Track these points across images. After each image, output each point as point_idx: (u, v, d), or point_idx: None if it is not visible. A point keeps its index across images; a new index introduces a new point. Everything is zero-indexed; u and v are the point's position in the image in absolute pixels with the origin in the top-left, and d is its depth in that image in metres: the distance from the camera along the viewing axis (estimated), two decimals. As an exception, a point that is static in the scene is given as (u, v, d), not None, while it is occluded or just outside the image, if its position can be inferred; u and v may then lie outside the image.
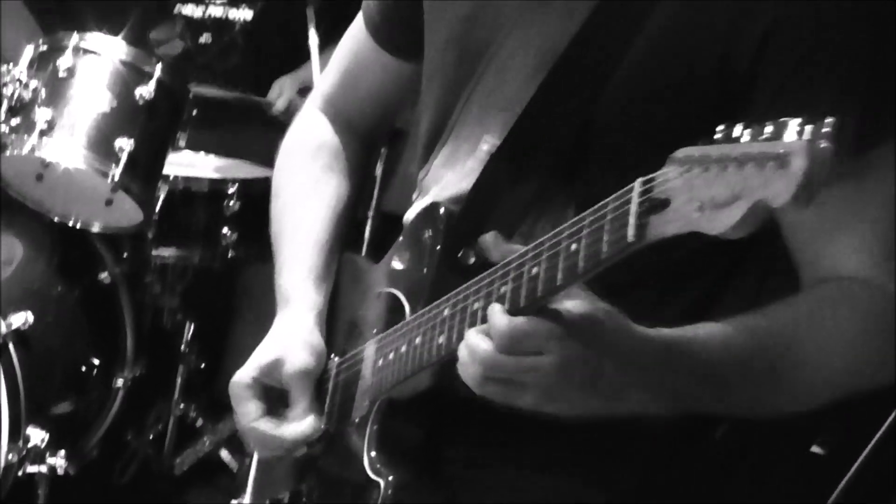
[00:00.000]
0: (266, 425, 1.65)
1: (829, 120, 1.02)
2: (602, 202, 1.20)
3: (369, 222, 3.26)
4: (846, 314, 1.43)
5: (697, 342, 1.37)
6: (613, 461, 1.57)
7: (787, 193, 1.01)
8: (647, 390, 1.36)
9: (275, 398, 1.67)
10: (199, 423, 3.36)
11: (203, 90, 3.36)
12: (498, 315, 1.29)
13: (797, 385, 1.44)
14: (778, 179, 1.02)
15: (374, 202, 3.28)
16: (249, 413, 1.66)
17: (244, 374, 1.67)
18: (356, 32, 1.86)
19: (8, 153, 2.92)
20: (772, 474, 3.19)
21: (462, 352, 1.33)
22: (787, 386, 1.44)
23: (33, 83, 2.93)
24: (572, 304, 1.28)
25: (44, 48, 3.02)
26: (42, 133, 2.90)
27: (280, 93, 3.62)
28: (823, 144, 1.02)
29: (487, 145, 1.55)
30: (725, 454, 1.71)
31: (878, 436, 3.13)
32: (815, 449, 3.42)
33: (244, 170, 3.37)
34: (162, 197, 3.13)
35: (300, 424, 1.63)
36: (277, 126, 1.92)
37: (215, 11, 3.72)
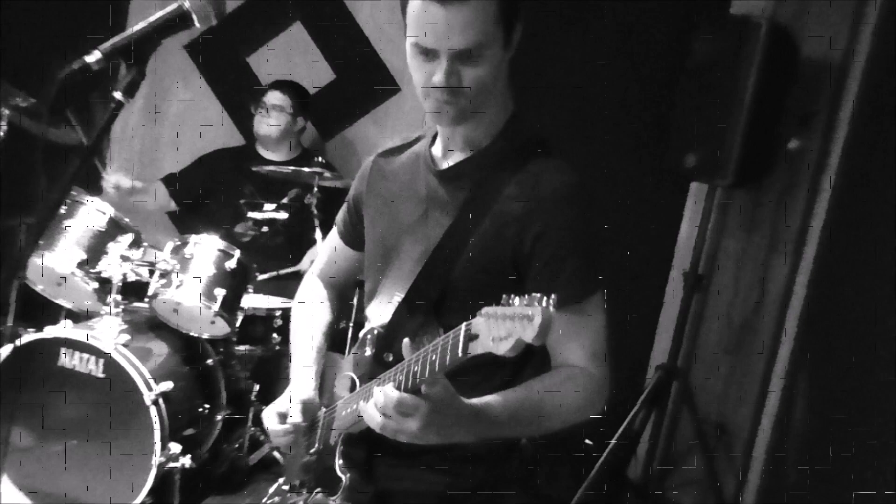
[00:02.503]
0: (277, 421, 1.66)
1: (553, 296, 1.05)
2: (446, 333, 1.20)
3: (350, 330, 3.21)
4: (571, 385, 1.44)
5: (488, 404, 1.37)
6: (470, 464, 1.54)
7: (532, 334, 1.03)
8: (464, 432, 1.35)
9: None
10: (262, 437, 3.25)
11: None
12: (392, 391, 1.29)
13: (543, 421, 1.44)
14: (528, 327, 1.04)
15: (353, 317, 3.24)
16: (270, 418, 1.66)
17: (272, 405, 1.68)
18: (333, 233, 1.86)
19: (159, 298, 2.88)
20: (563, 457, 3.17)
21: (367, 411, 1.34)
22: (537, 422, 1.44)
23: (172, 261, 2.89)
24: (427, 386, 1.28)
25: (178, 243, 2.99)
26: (177, 287, 2.87)
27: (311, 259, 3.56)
28: (551, 308, 1.04)
29: (397, 297, 1.54)
30: (533, 451, 1.68)
31: (619, 431, 3.13)
32: (587, 441, 3.40)
33: (285, 303, 3.31)
34: (240, 318, 3.07)
35: (289, 423, 1.64)
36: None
37: (267, 215, 3.69)
